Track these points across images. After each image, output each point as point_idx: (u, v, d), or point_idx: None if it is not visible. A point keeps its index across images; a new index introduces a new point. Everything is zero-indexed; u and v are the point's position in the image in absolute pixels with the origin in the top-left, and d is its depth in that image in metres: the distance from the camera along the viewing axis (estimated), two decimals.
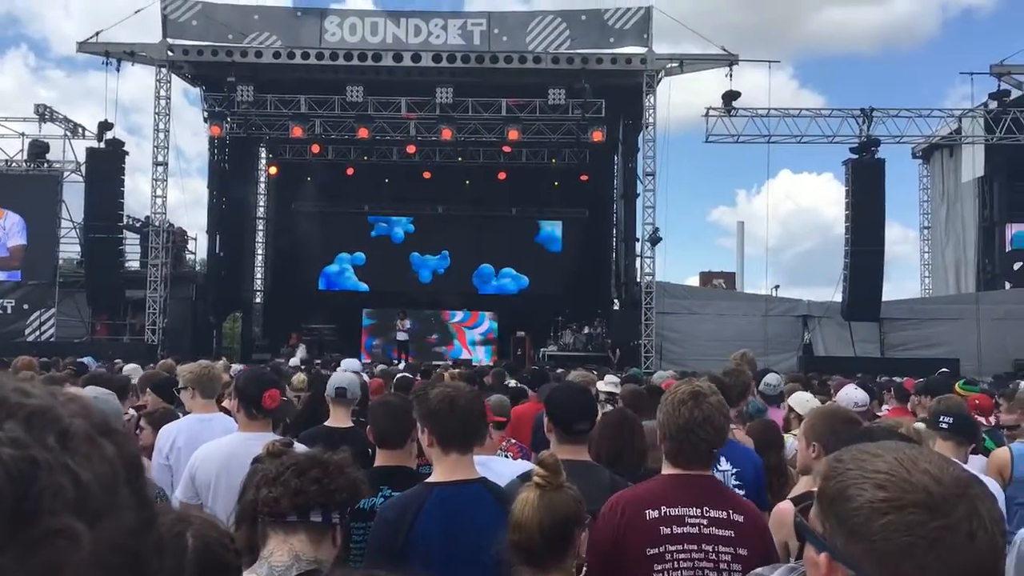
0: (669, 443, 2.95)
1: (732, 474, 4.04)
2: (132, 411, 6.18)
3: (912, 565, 1.09)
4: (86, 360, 12.71)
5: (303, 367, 14.79)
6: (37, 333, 26.16)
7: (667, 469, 2.99)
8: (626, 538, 2.81)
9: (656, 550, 2.78)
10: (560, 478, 2.50)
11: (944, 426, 4.29)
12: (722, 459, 3.99)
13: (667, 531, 2.79)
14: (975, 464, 5.06)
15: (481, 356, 28.72)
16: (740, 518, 2.84)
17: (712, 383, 3.18)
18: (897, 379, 12.05)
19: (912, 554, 1.09)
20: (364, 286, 31.56)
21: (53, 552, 0.66)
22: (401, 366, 17.38)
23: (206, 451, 4.19)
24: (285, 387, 6.89)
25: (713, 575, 2.80)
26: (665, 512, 2.81)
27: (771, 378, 6.81)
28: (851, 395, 6.18)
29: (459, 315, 30.16)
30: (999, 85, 25.42)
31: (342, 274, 31.64)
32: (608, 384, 9.05)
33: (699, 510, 2.82)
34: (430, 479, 3.12)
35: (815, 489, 1.35)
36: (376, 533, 3.04)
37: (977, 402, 6.50)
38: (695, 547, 2.79)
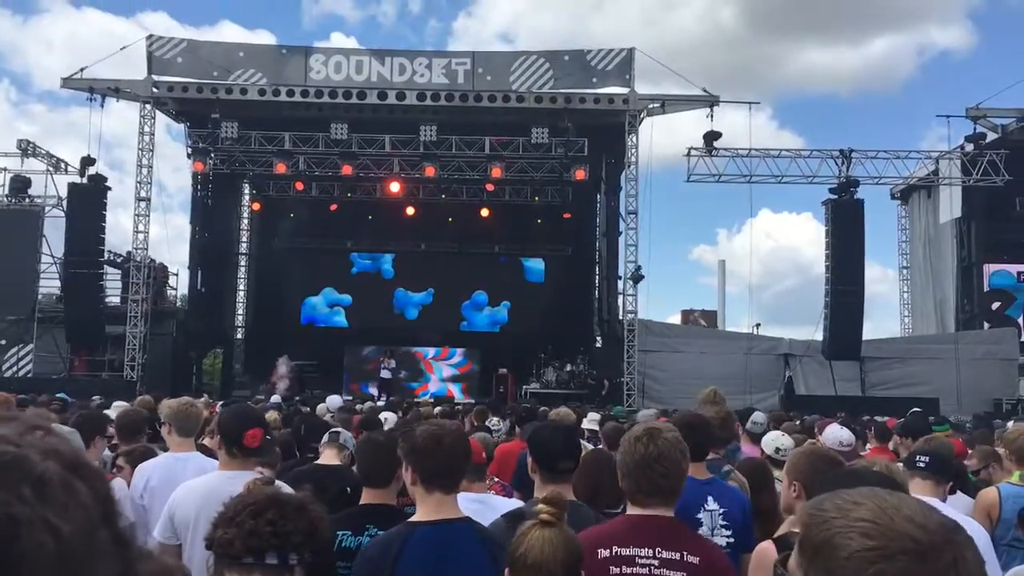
0: (627, 481, 2.97)
1: (720, 514, 4.03)
2: (107, 451, 6.06)
3: None
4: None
5: (283, 404, 14.66)
6: (15, 369, 25.88)
7: (629, 509, 3.01)
8: None
9: None
10: (564, 514, 2.51)
11: (921, 465, 4.30)
12: (709, 499, 3.99)
13: (616, 571, 2.79)
14: (958, 504, 5.06)
15: (453, 392, 28.58)
16: (695, 559, 2.83)
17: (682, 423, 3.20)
18: (879, 418, 12.06)
19: None
20: (346, 323, 31.48)
21: None
22: (381, 403, 17.29)
23: (185, 490, 4.13)
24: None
25: None
26: (616, 552, 2.81)
27: (758, 416, 6.83)
28: (836, 434, 6.18)
29: (432, 351, 30.08)
30: (975, 128, 25.87)
31: (325, 312, 31.55)
32: (590, 422, 9.06)
33: (651, 551, 2.82)
34: (413, 518, 3.09)
35: (796, 530, 1.35)
36: (358, 572, 3.01)
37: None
38: None
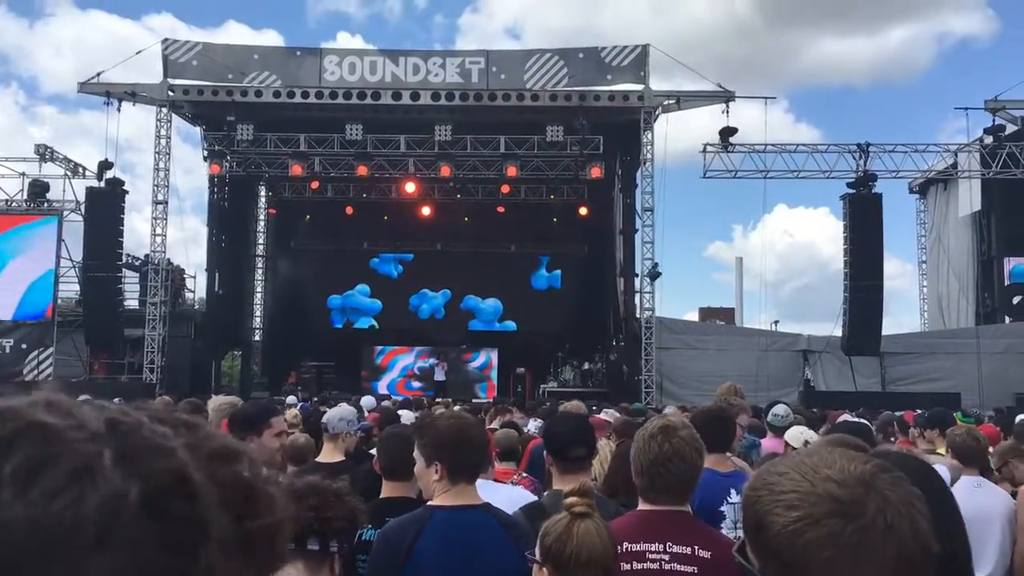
0: (641, 478, 2.92)
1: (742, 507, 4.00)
2: None
3: (845, 574, 1.10)
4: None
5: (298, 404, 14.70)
6: (35, 372, 26.05)
7: (642, 504, 2.96)
8: None
9: None
10: (595, 503, 2.50)
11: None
12: (732, 492, 3.96)
13: (627, 567, 2.73)
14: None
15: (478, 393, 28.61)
16: (707, 554, 2.77)
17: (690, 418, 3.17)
18: (897, 413, 12.01)
19: (838, 565, 1.10)
20: (363, 323, 31.54)
21: None
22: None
23: None
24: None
25: None
26: (627, 548, 2.75)
27: (779, 409, 6.80)
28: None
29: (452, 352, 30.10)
30: (994, 120, 25.60)
31: (342, 313, 31.63)
32: (607, 416, 9.06)
33: (661, 545, 2.77)
34: (432, 502, 3.09)
35: None
36: (376, 554, 3.01)
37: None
38: None
